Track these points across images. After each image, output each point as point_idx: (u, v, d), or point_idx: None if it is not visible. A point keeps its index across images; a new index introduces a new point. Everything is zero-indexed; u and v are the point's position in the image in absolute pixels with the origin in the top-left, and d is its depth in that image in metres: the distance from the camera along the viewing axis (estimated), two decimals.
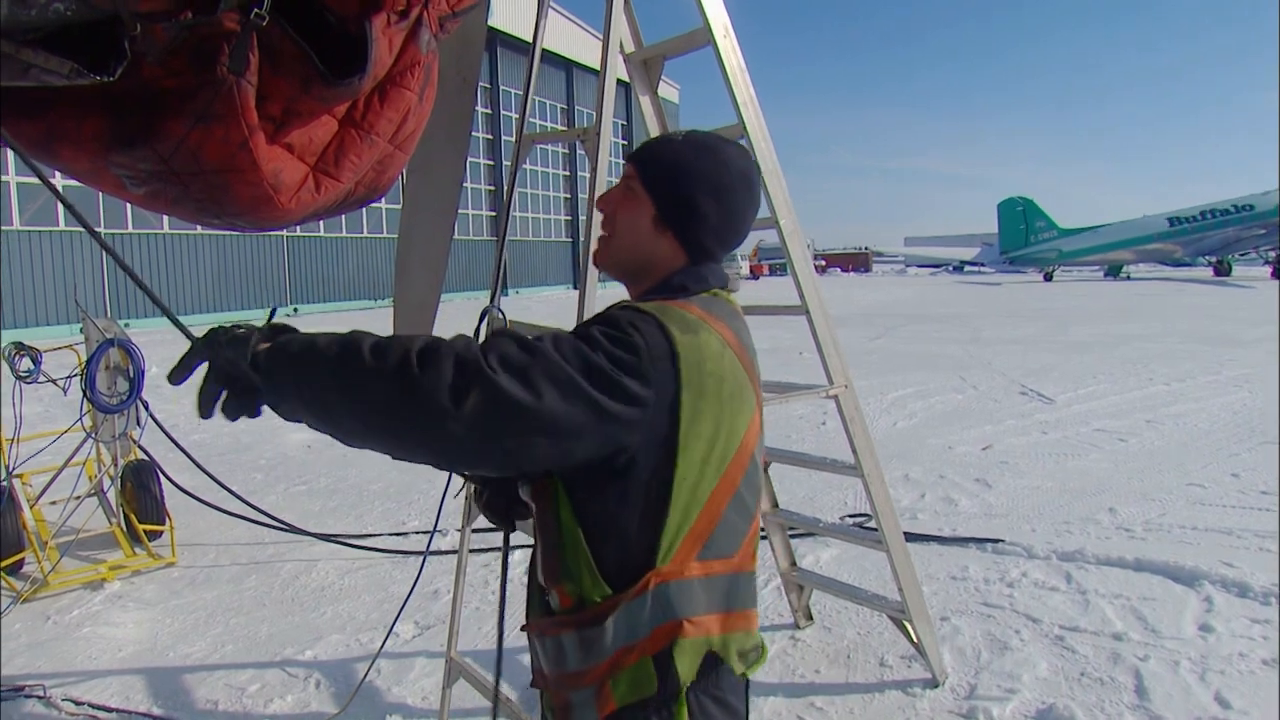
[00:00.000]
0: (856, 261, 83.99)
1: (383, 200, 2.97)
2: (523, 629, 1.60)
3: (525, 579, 1.57)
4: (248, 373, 1.31)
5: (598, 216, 1.65)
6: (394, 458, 1.32)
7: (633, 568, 1.40)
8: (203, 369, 1.37)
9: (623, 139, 52.18)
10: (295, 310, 28.85)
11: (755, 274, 61.02)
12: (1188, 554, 5.22)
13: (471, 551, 4.47)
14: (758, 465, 1.52)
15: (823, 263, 79.30)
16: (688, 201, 1.52)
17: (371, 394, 1.24)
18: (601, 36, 3.05)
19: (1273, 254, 46.99)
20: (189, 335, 1.42)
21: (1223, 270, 48.05)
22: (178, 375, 1.38)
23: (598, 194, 2.95)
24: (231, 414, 1.36)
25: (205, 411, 1.36)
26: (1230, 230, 47.00)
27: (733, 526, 1.48)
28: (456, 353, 1.25)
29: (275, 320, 1.40)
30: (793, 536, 4.81)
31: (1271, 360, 13.41)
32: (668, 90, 55.06)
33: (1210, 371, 12.61)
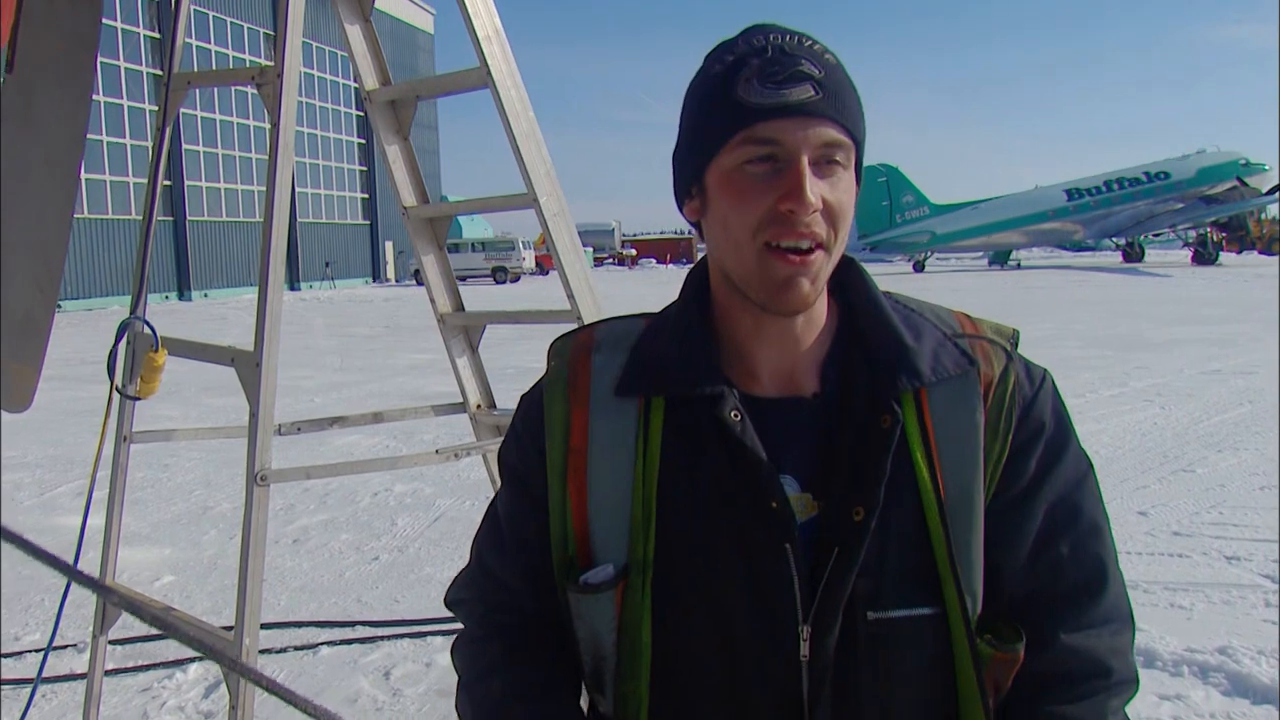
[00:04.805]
0: (676, 250, 77.49)
1: None
2: None
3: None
4: None
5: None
6: None
7: None
8: None
9: (342, 76, 39.92)
10: None
11: (545, 267, 50.49)
12: None
13: (109, 673, 3.29)
14: None
15: (633, 251, 72.04)
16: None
17: None
18: None
19: (1193, 234, 41.23)
20: None
21: (1133, 255, 43.19)
22: None
23: (285, 156, 2.35)
24: None
25: None
26: (1141, 204, 41.12)
27: None
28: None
29: None
30: None
31: (1178, 370, 12.84)
32: (420, 16, 46.07)
33: (1115, 383, 11.71)
